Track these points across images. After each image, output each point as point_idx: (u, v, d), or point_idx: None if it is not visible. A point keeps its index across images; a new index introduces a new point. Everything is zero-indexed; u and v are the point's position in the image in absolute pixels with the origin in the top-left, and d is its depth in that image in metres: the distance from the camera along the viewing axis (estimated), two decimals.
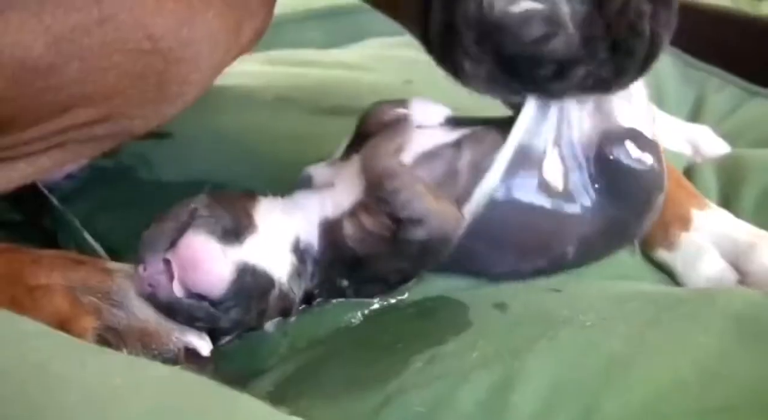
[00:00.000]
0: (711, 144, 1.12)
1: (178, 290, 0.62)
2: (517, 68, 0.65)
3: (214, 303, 0.62)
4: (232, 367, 0.65)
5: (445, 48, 0.67)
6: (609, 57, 0.65)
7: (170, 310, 0.62)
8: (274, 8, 0.71)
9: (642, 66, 0.68)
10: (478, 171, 0.67)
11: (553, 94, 0.68)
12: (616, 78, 0.67)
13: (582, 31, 0.64)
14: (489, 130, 0.70)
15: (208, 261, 0.62)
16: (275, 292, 0.64)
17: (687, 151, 1.11)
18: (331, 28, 1.50)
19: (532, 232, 0.69)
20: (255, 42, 0.72)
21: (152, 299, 0.63)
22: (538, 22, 0.62)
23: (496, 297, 0.66)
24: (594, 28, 0.64)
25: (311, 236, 0.67)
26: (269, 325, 0.66)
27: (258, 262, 0.63)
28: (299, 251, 0.66)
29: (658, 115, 1.15)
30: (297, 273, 0.66)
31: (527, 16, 0.62)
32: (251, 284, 0.63)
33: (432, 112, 0.72)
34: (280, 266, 0.65)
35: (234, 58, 0.70)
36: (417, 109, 0.72)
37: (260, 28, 0.70)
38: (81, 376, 0.47)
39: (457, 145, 0.69)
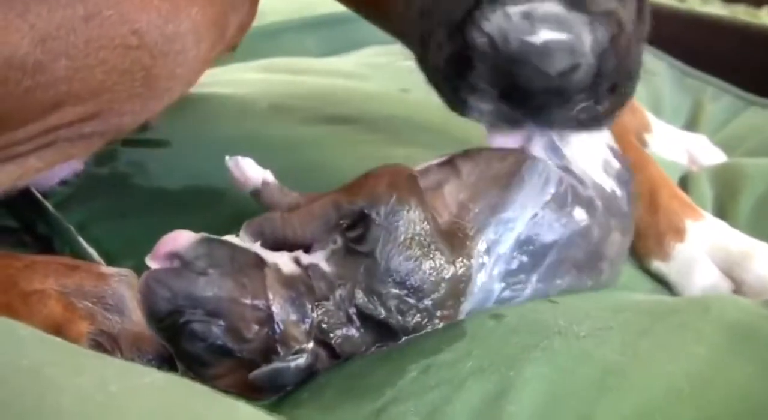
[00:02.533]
0: (707, 153, 1.13)
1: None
2: (526, 101, 0.63)
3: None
4: None
5: (448, 79, 0.65)
6: (608, 94, 0.64)
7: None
8: (258, 3, 0.71)
9: (623, 107, 0.67)
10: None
11: (552, 124, 0.66)
12: (607, 116, 0.66)
13: (598, 62, 0.61)
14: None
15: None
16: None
17: (683, 160, 1.11)
18: (327, 36, 1.50)
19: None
20: (240, 37, 0.72)
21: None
22: (564, 53, 0.60)
23: (491, 308, 0.66)
24: (608, 63, 0.62)
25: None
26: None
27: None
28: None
29: (655, 124, 1.15)
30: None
31: (552, 47, 0.59)
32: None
33: None
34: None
35: (219, 52, 0.70)
36: None
37: (245, 23, 0.70)
38: (76, 382, 0.46)
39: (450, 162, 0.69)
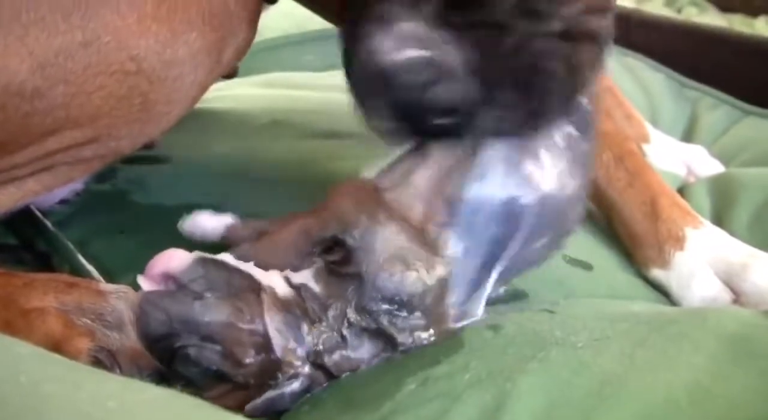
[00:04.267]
0: (705, 164, 1.13)
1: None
2: (413, 117, 0.63)
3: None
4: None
5: (359, 103, 0.65)
6: (517, 99, 0.63)
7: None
8: (257, 28, 0.71)
9: (563, 104, 0.66)
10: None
11: (464, 140, 0.66)
12: (531, 119, 0.65)
13: (480, 77, 0.61)
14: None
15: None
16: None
17: (681, 170, 1.11)
18: (327, 51, 1.50)
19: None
20: (237, 61, 0.73)
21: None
22: (424, 67, 0.60)
23: (489, 318, 0.66)
24: (492, 73, 0.62)
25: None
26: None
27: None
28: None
29: (653, 135, 1.15)
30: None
31: (413, 63, 0.60)
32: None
33: None
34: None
35: (216, 77, 0.71)
36: None
37: (242, 47, 0.71)
38: (75, 398, 0.47)
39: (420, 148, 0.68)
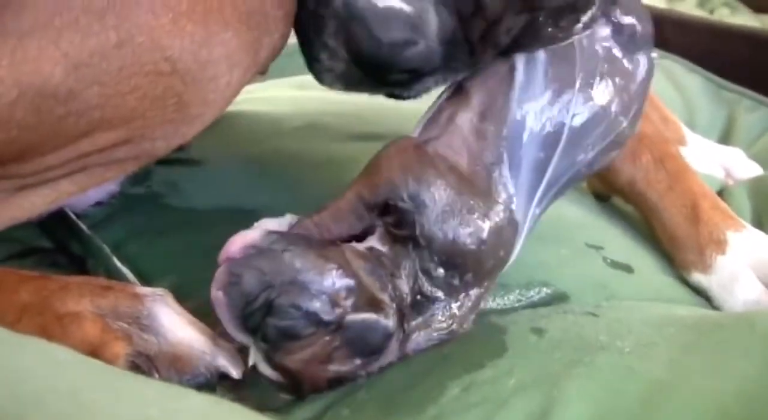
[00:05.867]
0: (743, 166, 1.12)
1: None
2: (370, 68, 0.64)
3: None
4: (270, 394, 0.64)
5: (309, 37, 0.66)
6: (468, 66, 0.65)
7: None
8: (291, 27, 0.71)
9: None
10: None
11: (407, 95, 0.67)
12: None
13: (444, 46, 0.62)
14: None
15: None
16: None
17: (719, 173, 1.10)
18: None
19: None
20: (273, 59, 0.72)
21: None
22: (401, 24, 0.60)
23: (532, 321, 0.65)
24: (458, 49, 0.63)
25: None
26: None
27: None
28: None
29: (690, 138, 1.14)
30: None
31: (390, 15, 0.60)
32: None
33: None
34: None
35: (253, 76, 0.70)
36: None
37: (278, 46, 0.70)
38: (116, 407, 0.46)
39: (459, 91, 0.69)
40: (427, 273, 0.63)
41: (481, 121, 0.66)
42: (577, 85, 0.68)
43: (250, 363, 0.61)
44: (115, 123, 0.64)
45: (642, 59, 0.71)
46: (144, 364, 0.62)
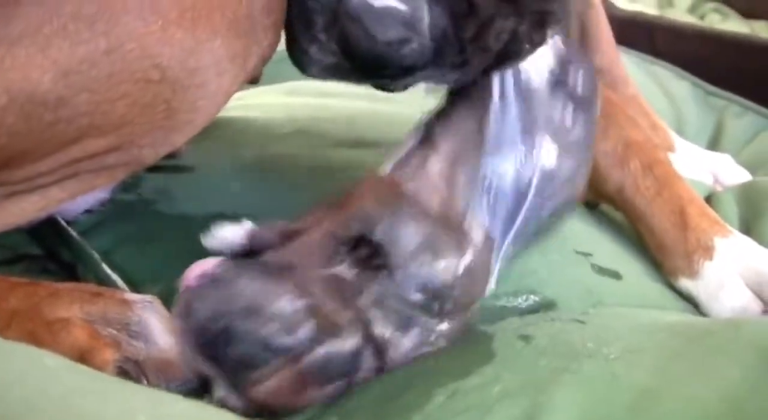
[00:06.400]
0: (731, 172, 1.12)
1: None
2: (363, 64, 0.64)
3: None
4: None
5: (295, 29, 0.67)
6: (459, 64, 0.65)
7: None
8: (281, 35, 0.71)
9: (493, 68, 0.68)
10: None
11: (394, 87, 0.68)
12: (459, 82, 0.68)
13: (436, 43, 0.63)
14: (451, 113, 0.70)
15: None
16: None
17: (708, 179, 1.10)
18: None
19: None
20: (262, 67, 0.72)
21: None
22: (397, 23, 0.61)
23: (519, 328, 0.66)
24: (449, 46, 0.63)
25: None
26: None
27: None
28: None
29: (678, 144, 1.14)
30: None
31: (386, 14, 0.61)
32: None
33: None
34: None
35: (241, 84, 0.70)
36: None
37: (266, 54, 0.70)
38: (103, 412, 0.46)
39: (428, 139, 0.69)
40: (401, 298, 0.62)
41: (451, 168, 0.67)
42: (544, 135, 0.69)
43: (216, 396, 0.60)
44: (104, 130, 0.64)
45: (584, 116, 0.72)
46: (133, 370, 0.62)
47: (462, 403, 0.59)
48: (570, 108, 0.71)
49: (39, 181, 0.67)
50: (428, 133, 0.69)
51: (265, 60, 0.71)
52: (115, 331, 0.65)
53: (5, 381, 0.47)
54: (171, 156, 0.84)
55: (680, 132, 1.23)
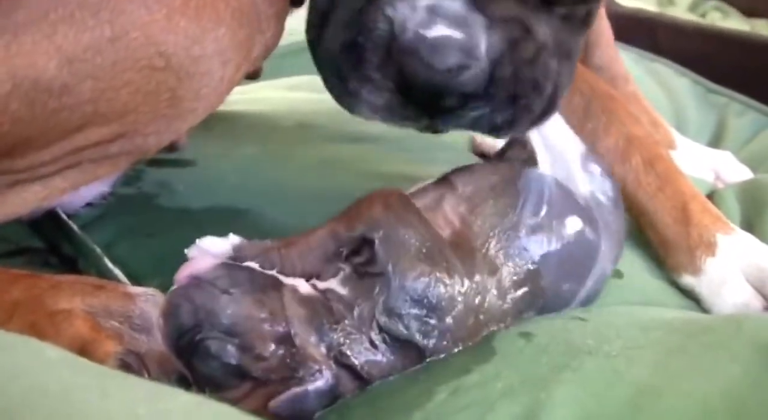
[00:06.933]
0: (733, 169, 1.12)
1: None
2: (420, 96, 0.63)
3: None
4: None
5: (341, 66, 0.65)
6: (508, 104, 0.64)
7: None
8: (284, 26, 0.71)
9: (535, 120, 0.68)
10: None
11: (445, 127, 0.66)
12: (508, 126, 0.66)
13: (493, 69, 0.62)
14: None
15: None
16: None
17: (709, 177, 1.10)
18: None
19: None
20: (264, 58, 0.72)
21: None
22: (454, 50, 0.60)
23: (520, 326, 0.65)
24: (504, 69, 0.63)
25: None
26: None
27: None
28: None
29: (680, 141, 1.14)
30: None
31: (442, 43, 0.60)
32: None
33: None
34: None
35: (244, 73, 0.70)
36: None
37: (270, 44, 0.70)
38: (104, 405, 0.46)
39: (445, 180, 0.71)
40: (394, 312, 0.61)
41: (469, 212, 0.68)
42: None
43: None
44: (108, 117, 0.64)
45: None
46: (134, 362, 0.62)
47: (463, 400, 0.59)
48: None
49: (42, 170, 0.67)
50: (447, 176, 0.71)
51: (268, 50, 0.71)
52: (117, 324, 0.65)
53: (7, 374, 0.47)
54: (172, 149, 0.84)
55: (681, 130, 1.23)
